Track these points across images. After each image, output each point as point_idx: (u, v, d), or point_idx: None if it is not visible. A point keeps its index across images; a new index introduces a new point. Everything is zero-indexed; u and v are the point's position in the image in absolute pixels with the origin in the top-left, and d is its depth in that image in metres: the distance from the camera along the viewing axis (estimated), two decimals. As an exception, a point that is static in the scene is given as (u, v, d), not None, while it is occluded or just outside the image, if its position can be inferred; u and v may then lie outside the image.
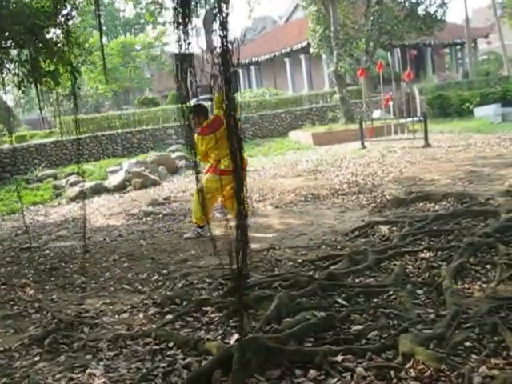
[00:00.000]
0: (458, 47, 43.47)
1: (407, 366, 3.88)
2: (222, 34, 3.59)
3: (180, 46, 3.72)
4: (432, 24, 27.55)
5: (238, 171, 3.83)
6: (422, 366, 3.81)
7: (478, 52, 46.30)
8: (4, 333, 5.71)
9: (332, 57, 27.32)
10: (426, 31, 27.90)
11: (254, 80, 43.41)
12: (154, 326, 5.35)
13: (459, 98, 27.69)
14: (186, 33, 3.70)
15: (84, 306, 6.33)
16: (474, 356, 4.01)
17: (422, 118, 19.31)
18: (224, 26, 3.59)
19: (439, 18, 27.70)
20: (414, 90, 23.81)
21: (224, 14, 3.55)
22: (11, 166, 20.70)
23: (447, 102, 27.87)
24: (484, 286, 5.47)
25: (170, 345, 4.78)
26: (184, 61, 3.76)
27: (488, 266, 5.99)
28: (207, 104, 10.76)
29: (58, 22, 12.91)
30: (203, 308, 5.60)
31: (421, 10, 27.49)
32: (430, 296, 5.34)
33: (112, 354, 4.81)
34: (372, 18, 26.70)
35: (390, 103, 22.25)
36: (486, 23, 47.00)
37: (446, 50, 44.57)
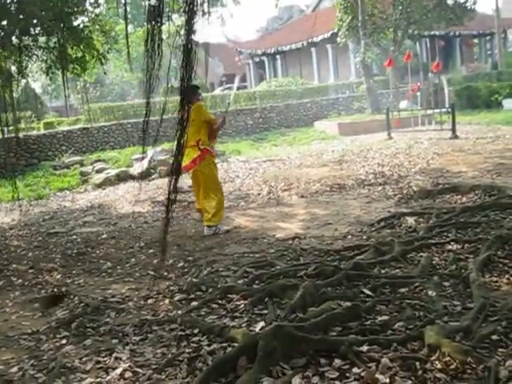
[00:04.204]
0: (488, 38, 42.91)
1: (433, 357, 3.86)
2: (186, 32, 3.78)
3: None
4: (461, 14, 27.20)
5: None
6: (448, 358, 3.79)
7: (508, 43, 45.75)
8: (32, 316, 5.80)
9: (359, 46, 27.16)
10: (455, 21, 27.54)
11: (280, 69, 43.20)
12: (179, 312, 5.37)
13: (488, 90, 27.38)
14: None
15: (110, 291, 6.41)
16: (500, 349, 3.98)
17: (449, 110, 19.12)
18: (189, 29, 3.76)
19: (469, 7, 27.36)
20: (442, 81, 23.56)
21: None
22: (39, 152, 20.85)
23: (475, 93, 27.57)
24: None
25: (196, 331, 4.80)
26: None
27: (516, 259, 5.93)
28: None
29: (86, 8, 13.02)
30: (228, 295, 5.62)
31: (450, 0, 27.16)
32: (457, 288, 5.30)
33: (138, 338, 4.87)
34: (400, 7, 26.45)
35: (418, 93, 22.08)
36: (517, 14, 46.42)
37: (475, 41, 44.05)
